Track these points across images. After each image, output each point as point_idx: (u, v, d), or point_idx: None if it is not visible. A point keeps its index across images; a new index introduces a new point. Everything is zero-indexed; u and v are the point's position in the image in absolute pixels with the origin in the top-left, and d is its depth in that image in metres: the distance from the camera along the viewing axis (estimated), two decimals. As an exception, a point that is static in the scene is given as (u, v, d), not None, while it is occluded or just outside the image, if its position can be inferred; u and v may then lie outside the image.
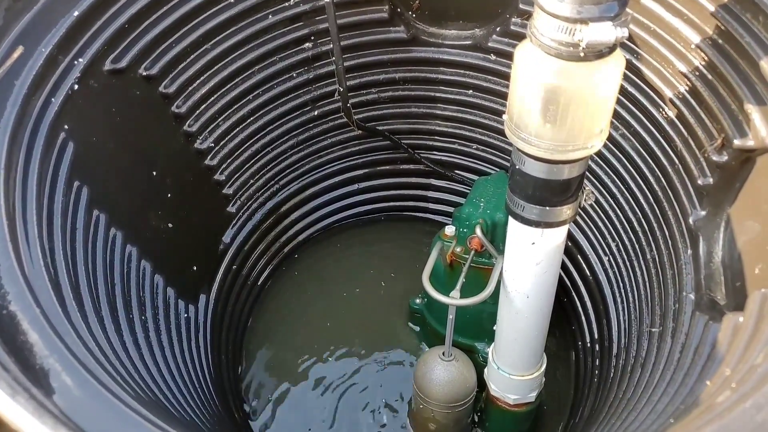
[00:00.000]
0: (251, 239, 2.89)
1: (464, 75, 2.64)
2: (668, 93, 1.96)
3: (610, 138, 2.31)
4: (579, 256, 2.77)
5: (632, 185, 2.27)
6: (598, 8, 1.41)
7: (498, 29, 2.47)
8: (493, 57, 2.55)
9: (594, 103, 1.55)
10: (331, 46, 2.45)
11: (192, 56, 2.16)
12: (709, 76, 1.80)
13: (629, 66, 2.09)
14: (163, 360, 1.88)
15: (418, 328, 2.99)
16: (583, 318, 2.80)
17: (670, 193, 2.05)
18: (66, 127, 1.68)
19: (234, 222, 2.74)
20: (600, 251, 2.60)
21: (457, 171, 3.12)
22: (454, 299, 2.17)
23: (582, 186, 1.90)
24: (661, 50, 1.92)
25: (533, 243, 1.97)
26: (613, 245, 2.48)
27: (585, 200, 1.94)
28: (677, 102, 1.93)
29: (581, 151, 1.66)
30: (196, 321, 2.46)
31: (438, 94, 2.75)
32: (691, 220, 1.94)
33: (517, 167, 1.82)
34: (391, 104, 2.79)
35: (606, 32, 1.42)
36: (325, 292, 3.07)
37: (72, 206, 1.66)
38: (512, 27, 2.43)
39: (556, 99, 1.54)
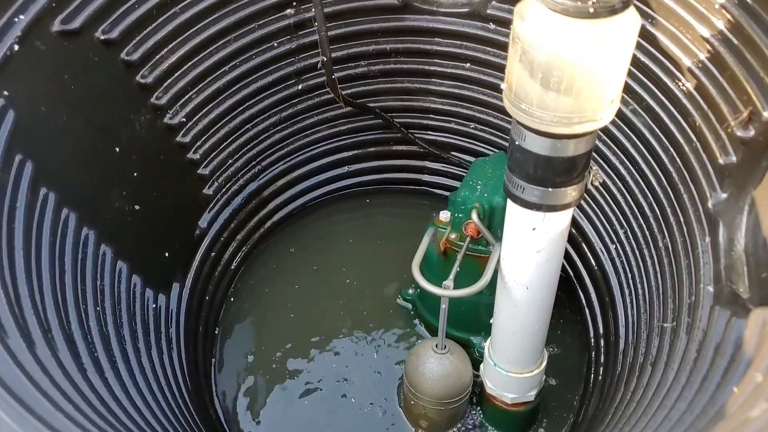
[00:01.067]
0: (231, 224, 2.71)
1: (461, 46, 2.43)
2: (686, 62, 1.76)
3: (620, 114, 2.12)
4: (584, 244, 2.59)
5: (643, 166, 2.08)
6: (612, -47, 1.22)
7: (497, -7, 2.27)
8: (492, 26, 2.34)
9: (605, 67, 1.37)
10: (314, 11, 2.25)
11: (158, 20, 1.96)
12: (735, 41, 1.60)
13: (642, 33, 1.90)
14: (122, 356, 1.70)
15: (412, 311, 2.80)
16: (587, 311, 2.62)
17: (686, 174, 1.86)
18: (5, 92, 1.49)
19: (211, 205, 2.56)
20: (606, 239, 2.42)
21: (453, 152, 2.93)
22: (446, 290, 1.98)
23: (589, 165, 1.72)
24: (679, 13, 1.72)
25: (534, 228, 1.81)
26: (621, 232, 2.30)
27: (592, 181, 1.76)
28: (696, 71, 1.73)
29: (589, 124, 1.48)
30: (168, 311, 2.29)
31: (433, 68, 2.55)
32: (710, 204, 1.76)
33: (516, 143, 1.65)
34: (382, 78, 2.59)
35: (620, -17, 1.23)
36: (312, 278, 2.89)
37: (12, 182, 1.47)
38: (513, -9, 2.22)
39: (562, 63, 1.36)
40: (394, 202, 3.17)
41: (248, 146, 2.55)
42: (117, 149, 1.93)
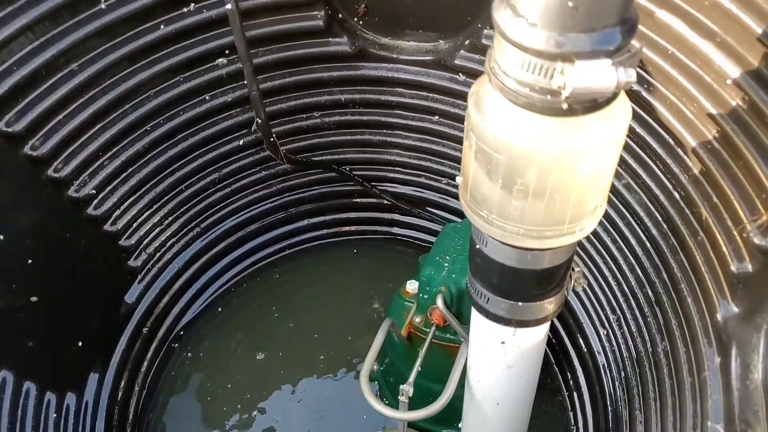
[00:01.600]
0: (170, 292, 2.40)
1: (427, 98, 2.11)
2: (690, 141, 1.45)
3: (611, 187, 1.81)
4: (571, 321, 2.27)
5: (639, 251, 1.76)
6: (590, 38, 0.91)
7: (467, 42, 1.94)
8: (461, 77, 2.02)
9: (584, 174, 1.06)
10: (258, 59, 1.93)
11: (50, 81, 1.64)
12: (751, 122, 1.29)
13: (637, 99, 1.59)
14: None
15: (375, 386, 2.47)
16: (575, 396, 2.31)
17: (690, 273, 1.54)
18: None
19: (141, 277, 2.24)
20: (597, 321, 2.10)
21: (428, 208, 2.60)
22: (398, 412, 1.66)
23: (570, 270, 1.41)
24: (682, 83, 1.40)
25: (503, 342, 1.49)
26: (612, 318, 1.99)
27: (573, 287, 1.45)
28: (702, 154, 1.42)
29: (565, 238, 1.17)
30: (81, 411, 1.97)
31: (396, 120, 2.23)
32: (719, 317, 1.44)
33: (477, 247, 1.34)
34: (339, 130, 2.27)
35: (602, 75, 0.93)
36: (266, 345, 2.53)
37: None
38: (484, 40, 1.89)
39: (528, 168, 1.05)
40: (364, 252, 2.84)
41: (183, 208, 2.24)
42: (1, 237, 1.61)
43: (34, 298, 1.75)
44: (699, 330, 1.51)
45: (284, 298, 2.70)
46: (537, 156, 1.03)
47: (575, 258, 2.08)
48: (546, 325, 1.47)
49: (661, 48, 1.40)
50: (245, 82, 1.86)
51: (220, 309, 2.56)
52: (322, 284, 2.74)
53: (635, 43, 0.95)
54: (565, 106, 0.98)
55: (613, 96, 1.01)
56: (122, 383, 2.23)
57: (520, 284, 1.33)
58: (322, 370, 2.48)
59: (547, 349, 2.31)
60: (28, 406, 1.71)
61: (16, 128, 1.59)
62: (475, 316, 1.50)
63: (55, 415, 1.80)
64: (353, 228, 2.77)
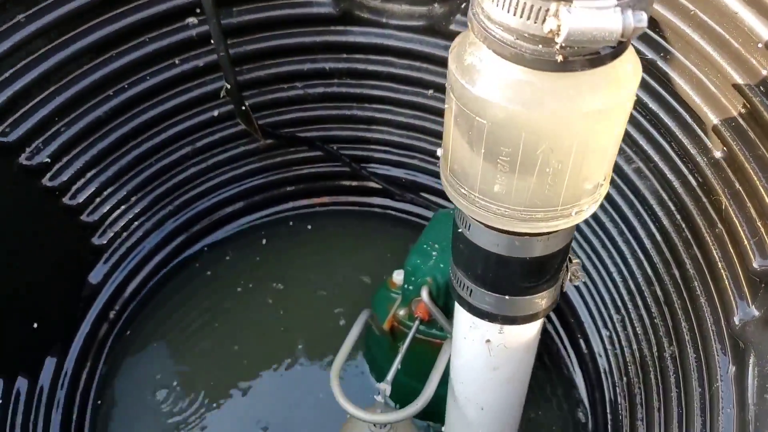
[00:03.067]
0: (141, 273, 2.24)
1: (420, 69, 1.93)
2: (712, 117, 1.27)
3: (618, 171, 1.64)
4: (571, 319, 2.10)
5: (647, 244, 1.59)
6: (591, -27, 0.75)
7: (463, 6, 1.75)
8: (458, 45, 1.84)
9: (584, 144, 0.90)
10: (232, 19, 1.77)
11: (-7, 31, 1.48)
12: (783, 97, 1.11)
13: (649, 68, 1.41)
14: None
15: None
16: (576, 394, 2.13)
17: (705, 269, 1.37)
18: None
19: (107, 256, 2.09)
20: (599, 321, 1.93)
21: (422, 193, 2.43)
22: (372, 415, 1.50)
23: (566, 260, 1.25)
24: (705, 49, 1.22)
25: (488, 341, 1.33)
26: (616, 318, 1.82)
27: (570, 280, 1.29)
28: (725, 133, 1.24)
29: (559, 221, 1.01)
30: (34, 398, 1.83)
31: (386, 94, 2.05)
32: (736, 320, 1.27)
33: (459, 230, 1.18)
34: (324, 104, 2.10)
35: (604, 18, 0.76)
36: (242, 334, 2.37)
37: None
38: (484, 3, 1.71)
39: (513, 135, 0.89)
40: (355, 231, 2.65)
41: (154, 183, 2.08)
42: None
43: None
44: (712, 334, 1.34)
45: (264, 284, 2.54)
46: (525, 119, 0.87)
47: (574, 249, 1.91)
48: (537, 323, 1.30)
49: (682, 7, 1.22)
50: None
51: (195, 293, 2.41)
52: (305, 270, 2.57)
53: (649, -20, 0.78)
54: (560, 58, 0.81)
55: (620, 48, 0.84)
56: (86, 369, 2.10)
57: (507, 275, 1.17)
58: (300, 359, 2.33)
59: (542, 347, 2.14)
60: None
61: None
62: (458, 310, 1.34)
63: (0, 401, 1.66)
64: (341, 205, 2.59)
